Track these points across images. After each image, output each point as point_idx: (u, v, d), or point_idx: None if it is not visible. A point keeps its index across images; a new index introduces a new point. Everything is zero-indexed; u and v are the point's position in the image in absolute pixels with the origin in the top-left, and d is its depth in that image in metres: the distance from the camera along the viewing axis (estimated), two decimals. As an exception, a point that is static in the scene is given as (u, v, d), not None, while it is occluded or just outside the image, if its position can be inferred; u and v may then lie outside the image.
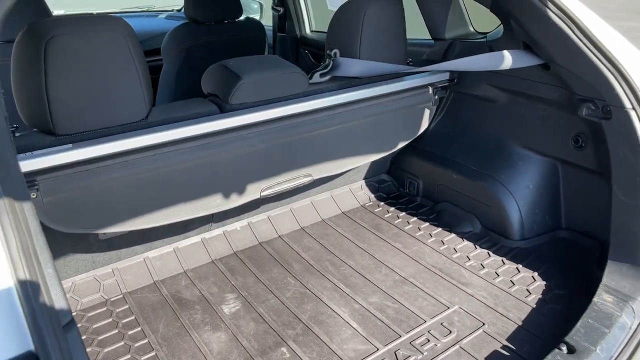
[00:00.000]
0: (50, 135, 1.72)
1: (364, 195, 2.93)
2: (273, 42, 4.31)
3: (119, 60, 1.76)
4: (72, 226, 1.84)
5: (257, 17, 4.66)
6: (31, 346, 0.82)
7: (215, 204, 2.16)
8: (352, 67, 2.38)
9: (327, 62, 2.39)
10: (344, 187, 2.89)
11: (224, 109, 2.07)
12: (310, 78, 2.33)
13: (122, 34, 1.76)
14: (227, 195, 2.17)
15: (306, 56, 4.06)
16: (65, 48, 1.65)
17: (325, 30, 2.55)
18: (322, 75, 2.37)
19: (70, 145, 1.70)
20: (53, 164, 1.67)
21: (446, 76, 2.66)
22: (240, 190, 2.21)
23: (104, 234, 2.07)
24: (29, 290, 0.83)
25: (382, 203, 2.90)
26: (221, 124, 2.01)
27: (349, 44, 2.39)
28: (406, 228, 2.63)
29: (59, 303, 0.88)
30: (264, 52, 3.56)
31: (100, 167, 1.81)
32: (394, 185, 3.04)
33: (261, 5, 4.92)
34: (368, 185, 2.98)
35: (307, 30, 4.13)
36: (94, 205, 1.86)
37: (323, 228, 2.65)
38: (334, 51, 2.38)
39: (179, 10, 5.06)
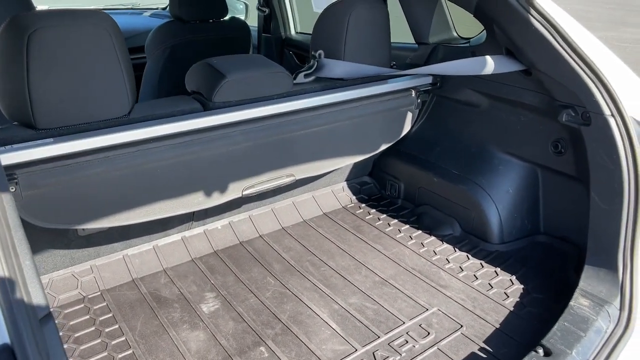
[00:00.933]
0: (31, 128, 1.70)
1: (346, 196, 2.94)
2: (258, 42, 4.31)
3: (102, 55, 1.75)
4: (51, 221, 1.82)
5: (242, 17, 4.66)
6: (7, 339, 0.81)
7: (196, 202, 2.15)
8: (336, 68, 2.39)
9: (311, 62, 2.40)
10: (326, 188, 2.90)
11: (207, 107, 2.06)
12: (295, 78, 2.33)
13: (106, 28, 1.74)
14: (208, 194, 2.16)
15: (291, 57, 4.07)
16: (48, 41, 1.63)
17: (310, 32, 2.55)
18: (306, 75, 2.37)
19: (51, 140, 1.68)
20: (33, 158, 1.65)
21: (429, 80, 2.68)
22: (222, 189, 2.20)
23: (83, 230, 2.05)
24: (6, 282, 0.81)
25: (363, 205, 2.91)
26: (204, 122, 2.00)
27: (333, 45, 2.40)
28: (387, 230, 2.64)
29: (36, 296, 0.87)
30: (249, 52, 3.56)
31: (81, 162, 1.79)
32: (376, 187, 3.05)
33: (246, 6, 4.92)
34: (350, 186, 2.99)
35: (292, 32, 4.13)
36: (73, 200, 1.84)
37: (304, 229, 2.64)
38: (318, 52, 2.39)
39: (163, 9, 5.03)
